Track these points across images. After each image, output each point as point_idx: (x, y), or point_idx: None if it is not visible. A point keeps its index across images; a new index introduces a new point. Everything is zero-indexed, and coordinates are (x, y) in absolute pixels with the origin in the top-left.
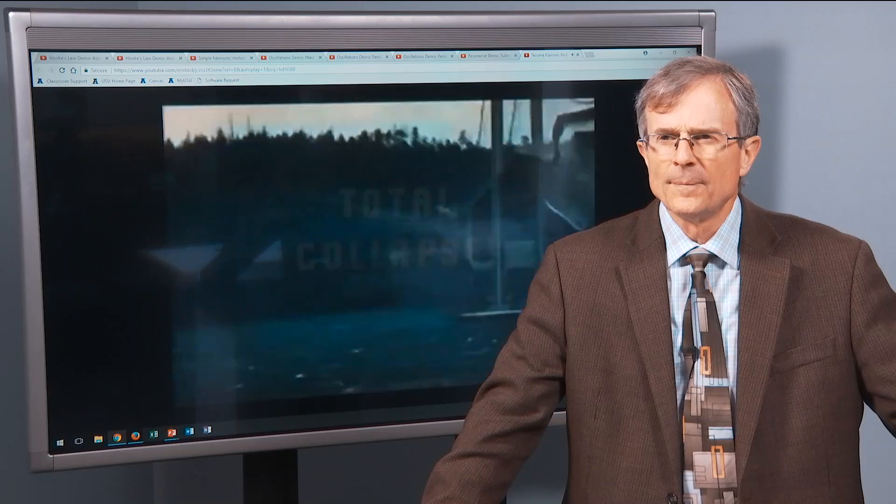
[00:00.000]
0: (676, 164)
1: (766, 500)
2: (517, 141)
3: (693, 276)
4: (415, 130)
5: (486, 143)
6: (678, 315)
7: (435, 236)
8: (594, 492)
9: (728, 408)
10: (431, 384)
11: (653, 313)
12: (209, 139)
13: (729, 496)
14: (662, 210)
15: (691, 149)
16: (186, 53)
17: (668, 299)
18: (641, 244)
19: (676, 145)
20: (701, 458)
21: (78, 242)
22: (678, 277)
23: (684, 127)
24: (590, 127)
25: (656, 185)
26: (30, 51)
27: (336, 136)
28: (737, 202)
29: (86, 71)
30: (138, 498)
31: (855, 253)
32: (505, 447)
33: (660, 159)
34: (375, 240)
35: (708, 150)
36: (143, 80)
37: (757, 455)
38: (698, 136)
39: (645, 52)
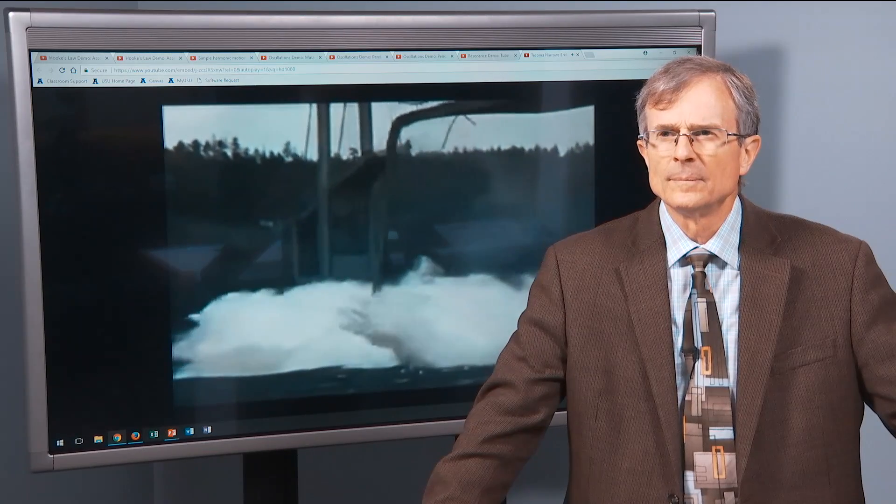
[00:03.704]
0: (676, 159)
1: (767, 500)
2: (515, 141)
3: (693, 276)
4: (416, 135)
5: (486, 142)
6: (679, 315)
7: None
8: (595, 493)
9: (728, 408)
10: (432, 384)
11: (653, 314)
12: (209, 139)
13: (729, 496)
14: (663, 210)
15: (691, 145)
16: (186, 53)
17: (669, 300)
18: (642, 245)
19: (676, 141)
20: (702, 459)
21: (78, 243)
22: (678, 278)
23: (684, 123)
24: (589, 127)
25: (656, 183)
26: (30, 51)
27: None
28: (737, 202)
29: (86, 71)
30: (138, 498)
31: (855, 253)
32: (505, 448)
33: (660, 156)
34: (378, 241)
35: (708, 147)
36: (143, 80)
37: (757, 455)
38: (698, 132)
39: (645, 53)
